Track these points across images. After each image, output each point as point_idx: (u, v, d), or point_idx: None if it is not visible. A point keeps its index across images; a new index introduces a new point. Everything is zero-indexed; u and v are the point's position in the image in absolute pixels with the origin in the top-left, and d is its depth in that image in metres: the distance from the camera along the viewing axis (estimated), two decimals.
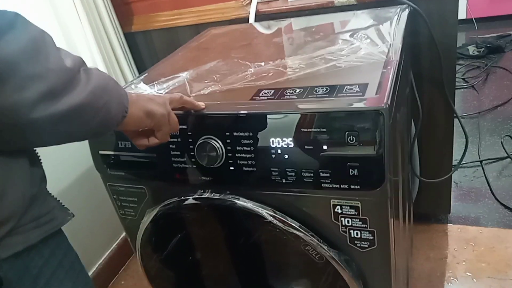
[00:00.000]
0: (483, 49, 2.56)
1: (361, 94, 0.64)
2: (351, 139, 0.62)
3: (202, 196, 0.73)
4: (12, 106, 0.42)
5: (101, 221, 1.44)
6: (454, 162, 1.34)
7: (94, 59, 1.30)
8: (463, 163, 1.66)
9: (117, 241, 1.54)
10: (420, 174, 1.32)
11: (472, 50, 2.59)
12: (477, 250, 1.35)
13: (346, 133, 0.62)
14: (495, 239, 1.37)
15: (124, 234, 1.54)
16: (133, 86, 0.88)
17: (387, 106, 0.60)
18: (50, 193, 0.59)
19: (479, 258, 1.32)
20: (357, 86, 0.67)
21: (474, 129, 1.91)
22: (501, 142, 1.75)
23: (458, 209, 1.51)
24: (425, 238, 1.43)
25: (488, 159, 1.70)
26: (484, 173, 1.63)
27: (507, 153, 1.69)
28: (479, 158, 1.70)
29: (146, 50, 1.44)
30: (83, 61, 0.51)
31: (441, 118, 1.25)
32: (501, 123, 1.95)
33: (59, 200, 0.61)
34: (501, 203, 1.49)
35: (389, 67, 0.71)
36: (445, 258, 1.35)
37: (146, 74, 0.95)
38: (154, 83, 0.85)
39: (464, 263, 1.31)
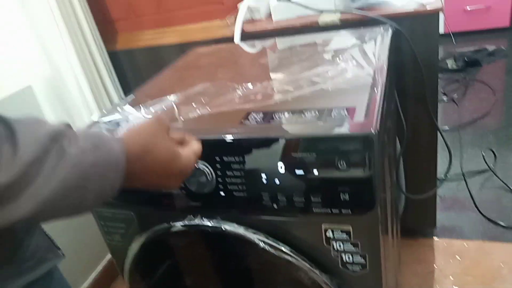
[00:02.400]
0: (461, 63, 2.63)
1: (349, 118, 0.65)
2: (341, 164, 0.62)
3: (192, 223, 0.72)
4: None
5: (86, 242, 1.41)
6: (438, 175, 1.36)
7: (77, 79, 1.28)
8: (447, 176, 1.69)
9: (103, 263, 1.50)
10: (406, 189, 1.34)
11: (450, 64, 2.65)
12: (463, 264, 1.36)
13: (336, 157, 0.62)
14: (480, 252, 1.39)
15: (109, 255, 1.51)
16: (119, 108, 0.87)
17: (377, 131, 0.60)
18: (43, 231, 0.54)
19: (465, 271, 1.34)
20: (345, 109, 0.67)
21: (456, 142, 1.95)
22: (482, 155, 1.79)
23: (443, 222, 1.53)
24: (412, 252, 1.45)
25: (471, 171, 1.74)
26: (467, 186, 1.66)
27: (488, 165, 1.73)
28: (462, 171, 1.73)
29: (130, 69, 1.43)
30: (54, 139, 0.40)
31: (425, 134, 1.27)
32: (481, 135, 1.99)
33: (50, 238, 0.56)
34: (484, 216, 1.52)
35: (375, 90, 0.72)
36: (432, 272, 1.36)
37: (133, 96, 0.94)
38: (141, 105, 0.84)
39: (451, 277, 1.32)
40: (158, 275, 0.85)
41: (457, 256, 1.39)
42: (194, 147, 0.59)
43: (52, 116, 1.28)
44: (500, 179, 1.66)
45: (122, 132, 0.51)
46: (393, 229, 1.00)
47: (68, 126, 0.44)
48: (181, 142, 0.59)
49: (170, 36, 1.31)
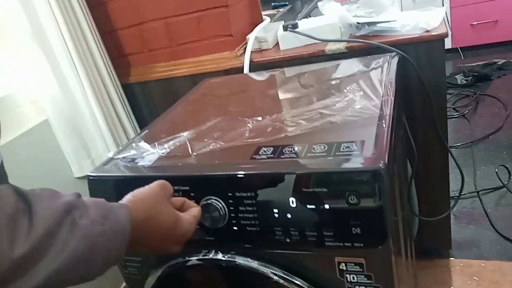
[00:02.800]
0: (470, 77, 2.63)
1: (358, 153, 0.66)
2: (352, 199, 0.63)
3: (206, 257, 0.74)
4: None
5: None
6: (451, 193, 1.35)
7: (93, 112, 1.32)
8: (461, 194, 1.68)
9: None
10: (419, 211, 1.33)
11: (460, 79, 2.65)
12: (482, 285, 1.34)
13: (347, 192, 0.63)
14: (499, 273, 1.37)
15: (124, 284, 1.52)
16: (134, 145, 0.89)
17: (385, 165, 0.62)
18: None
19: None
20: (354, 143, 0.69)
21: (469, 158, 1.94)
22: (496, 171, 1.78)
23: (459, 241, 1.52)
24: (429, 274, 1.43)
25: (485, 189, 1.72)
26: (481, 204, 1.64)
27: (502, 182, 1.72)
28: (476, 189, 1.72)
29: (144, 101, 1.47)
30: (66, 212, 0.43)
31: (436, 155, 1.27)
32: (494, 151, 1.98)
33: None
34: (501, 234, 1.50)
35: (383, 121, 0.74)
36: None
37: (147, 131, 0.97)
38: (156, 143, 0.87)
39: None
40: None
41: (475, 277, 1.38)
42: (194, 212, 0.64)
43: (68, 149, 1.32)
44: None
45: (127, 199, 0.54)
46: (408, 253, 1.00)
47: (79, 196, 0.47)
48: (182, 207, 0.64)
49: (182, 68, 1.35)
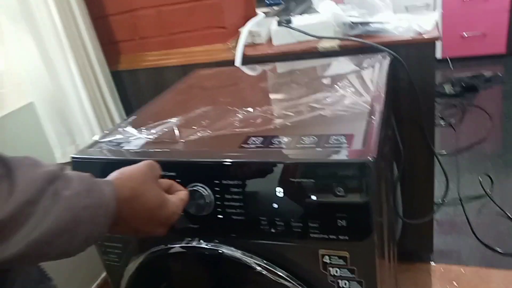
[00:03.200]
0: (458, 88, 2.66)
1: (347, 145, 0.66)
2: (339, 190, 0.63)
3: (189, 245, 0.72)
4: None
5: (81, 260, 1.40)
6: (436, 199, 1.36)
7: (80, 98, 1.30)
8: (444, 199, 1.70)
9: (97, 282, 1.49)
10: (403, 214, 1.34)
11: (448, 89, 2.69)
12: None
13: (334, 184, 0.63)
14: (477, 279, 1.39)
15: (104, 274, 1.49)
16: (120, 129, 0.88)
17: (374, 158, 0.61)
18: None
19: None
20: (343, 136, 0.68)
21: (453, 166, 1.96)
22: (479, 180, 1.80)
23: (440, 247, 1.53)
24: (410, 277, 1.44)
25: (468, 197, 1.74)
26: (464, 211, 1.66)
27: (485, 191, 1.74)
28: (459, 196, 1.74)
29: (133, 89, 1.45)
30: (49, 181, 0.42)
31: (422, 159, 1.28)
32: (479, 160, 2.01)
33: (42, 270, 0.55)
34: (481, 242, 1.52)
35: (373, 117, 0.74)
36: None
37: (134, 117, 0.95)
38: (143, 128, 0.85)
39: None
40: None
41: (454, 282, 1.39)
42: (181, 195, 0.62)
43: (53, 134, 1.29)
44: (497, 205, 1.67)
45: (113, 175, 0.53)
46: (390, 254, 1.00)
47: (63, 168, 0.45)
48: (169, 190, 0.62)
49: (172, 58, 1.33)
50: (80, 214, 0.43)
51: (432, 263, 1.48)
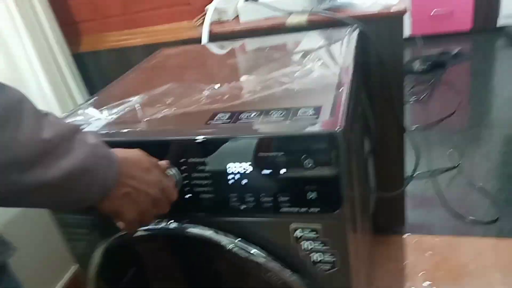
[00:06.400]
0: (427, 65, 2.70)
1: (315, 117, 0.64)
2: (308, 163, 0.61)
3: (158, 226, 0.70)
4: None
5: (49, 253, 1.35)
6: (407, 173, 1.38)
7: (39, 81, 1.23)
8: (415, 174, 1.73)
9: (68, 275, 1.45)
10: (376, 188, 1.35)
11: (417, 66, 2.72)
12: (434, 259, 1.39)
13: (303, 156, 0.61)
14: (450, 247, 1.43)
15: (75, 266, 1.45)
16: (81, 111, 0.84)
17: (342, 128, 0.60)
18: None
19: (436, 266, 1.36)
20: (312, 108, 0.67)
21: (423, 141, 2.00)
22: (449, 153, 1.84)
23: (413, 219, 1.56)
24: (384, 250, 1.46)
25: (438, 170, 1.78)
26: (434, 183, 1.70)
27: (453, 165, 1.78)
28: (429, 170, 1.78)
29: (96, 71, 1.39)
30: (75, 130, 0.47)
31: (393, 134, 1.29)
32: (448, 135, 2.05)
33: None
34: (452, 212, 1.56)
35: (341, 89, 0.72)
36: (404, 269, 1.38)
37: (96, 97, 0.91)
38: (104, 108, 0.81)
39: (423, 272, 1.35)
40: (125, 281, 0.83)
41: (427, 252, 1.42)
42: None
43: None
44: (466, 177, 1.71)
45: (118, 155, 0.53)
46: (364, 228, 1.00)
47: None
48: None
49: (136, 38, 1.28)
50: (100, 162, 0.48)
51: (406, 235, 1.51)
